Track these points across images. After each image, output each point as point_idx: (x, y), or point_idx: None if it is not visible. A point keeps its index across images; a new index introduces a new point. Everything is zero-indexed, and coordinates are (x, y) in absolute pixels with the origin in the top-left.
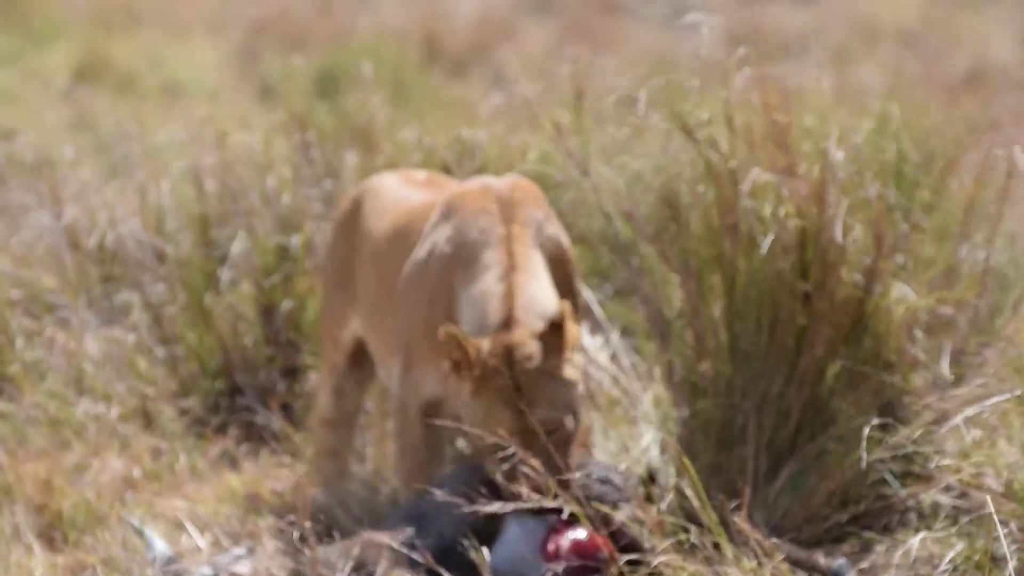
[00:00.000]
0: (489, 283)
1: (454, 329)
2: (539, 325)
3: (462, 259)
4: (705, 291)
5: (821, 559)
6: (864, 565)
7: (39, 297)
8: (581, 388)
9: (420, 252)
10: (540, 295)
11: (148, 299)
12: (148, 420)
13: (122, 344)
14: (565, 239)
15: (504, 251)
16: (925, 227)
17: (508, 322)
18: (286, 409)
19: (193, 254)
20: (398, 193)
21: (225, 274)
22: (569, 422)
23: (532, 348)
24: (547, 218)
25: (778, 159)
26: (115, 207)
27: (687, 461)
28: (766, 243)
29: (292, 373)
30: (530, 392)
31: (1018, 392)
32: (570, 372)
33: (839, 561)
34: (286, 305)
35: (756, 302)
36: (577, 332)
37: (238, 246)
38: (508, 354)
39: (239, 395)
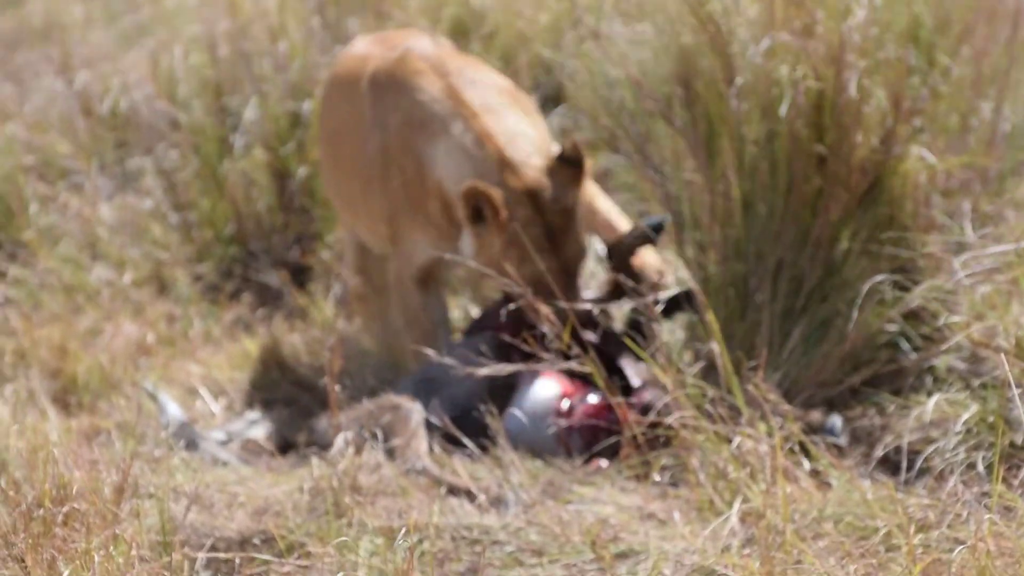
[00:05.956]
0: (457, 135)
1: (476, 183)
2: (540, 161)
3: (415, 126)
4: (714, 155)
5: (818, 416)
6: (876, 427)
7: (53, 163)
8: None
9: (374, 140)
10: (520, 131)
11: (161, 165)
12: (162, 286)
13: (136, 210)
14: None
15: (454, 102)
16: (943, 90)
17: (504, 165)
18: (299, 275)
19: (206, 120)
20: (334, 71)
21: (238, 140)
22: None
23: (553, 189)
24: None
25: (796, 19)
26: (127, 73)
27: (712, 317)
28: (783, 106)
29: (305, 239)
30: (561, 233)
31: None
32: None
33: (832, 418)
34: (300, 172)
35: (770, 166)
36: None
37: (250, 112)
38: (534, 199)
39: (253, 261)
